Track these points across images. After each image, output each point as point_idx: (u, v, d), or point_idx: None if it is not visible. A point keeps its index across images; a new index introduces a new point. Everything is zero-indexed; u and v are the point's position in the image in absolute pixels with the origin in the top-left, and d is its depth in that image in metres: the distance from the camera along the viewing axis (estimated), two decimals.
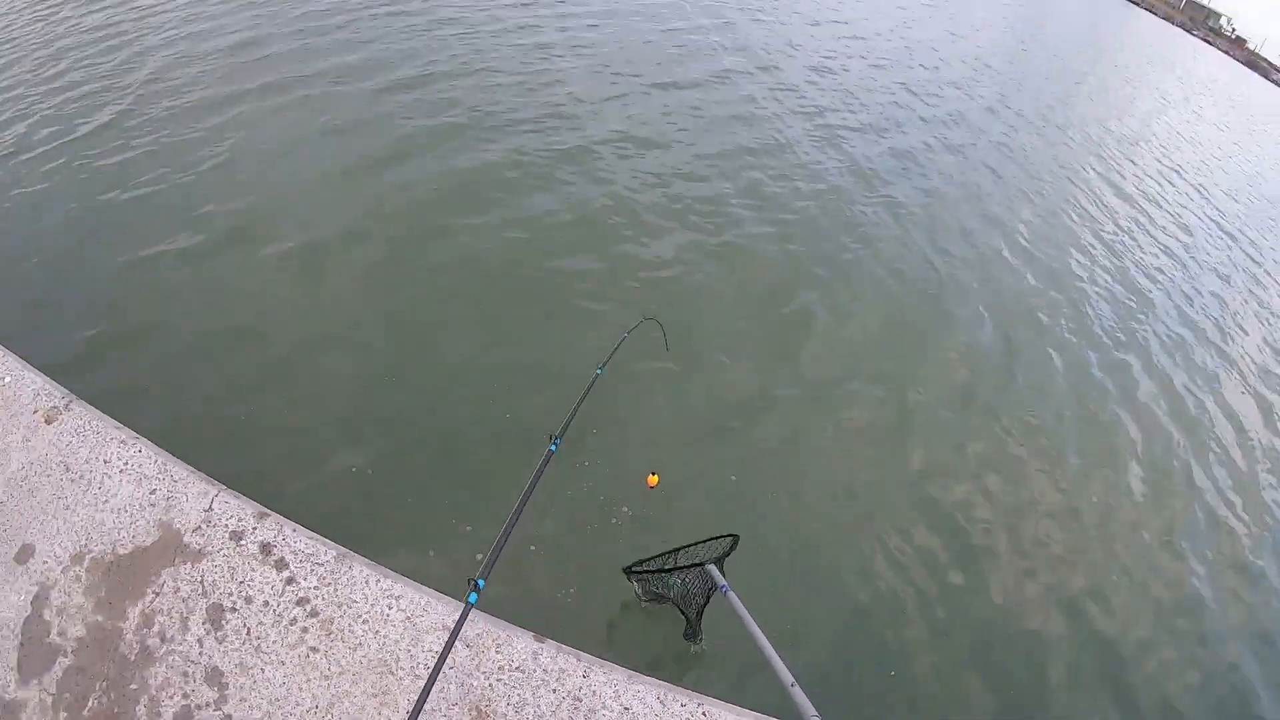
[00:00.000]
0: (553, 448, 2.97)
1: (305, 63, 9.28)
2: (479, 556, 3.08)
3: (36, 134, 7.14)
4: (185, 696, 2.26)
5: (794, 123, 10.97)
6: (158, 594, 2.48)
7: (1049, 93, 19.08)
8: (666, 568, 3.60)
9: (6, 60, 8.97)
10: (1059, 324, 7.92)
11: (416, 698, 1.85)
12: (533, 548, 3.78)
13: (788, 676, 2.37)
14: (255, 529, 2.52)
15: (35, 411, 3.18)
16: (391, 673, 2.09)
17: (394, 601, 2.22)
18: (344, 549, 2.42)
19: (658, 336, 5.03)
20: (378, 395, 4.66)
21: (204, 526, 2.57)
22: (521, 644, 2.14)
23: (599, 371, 3.90)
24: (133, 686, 2.33)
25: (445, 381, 4.87)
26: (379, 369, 4.85)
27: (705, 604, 3.60)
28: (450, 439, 4.44)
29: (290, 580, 2.36)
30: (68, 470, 2.92)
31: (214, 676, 2.27)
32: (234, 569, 2.44)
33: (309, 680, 2.16)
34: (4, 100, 7.83)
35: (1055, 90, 19.76)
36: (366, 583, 2.29)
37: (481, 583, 2.17)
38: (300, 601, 2.31)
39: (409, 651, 2.11)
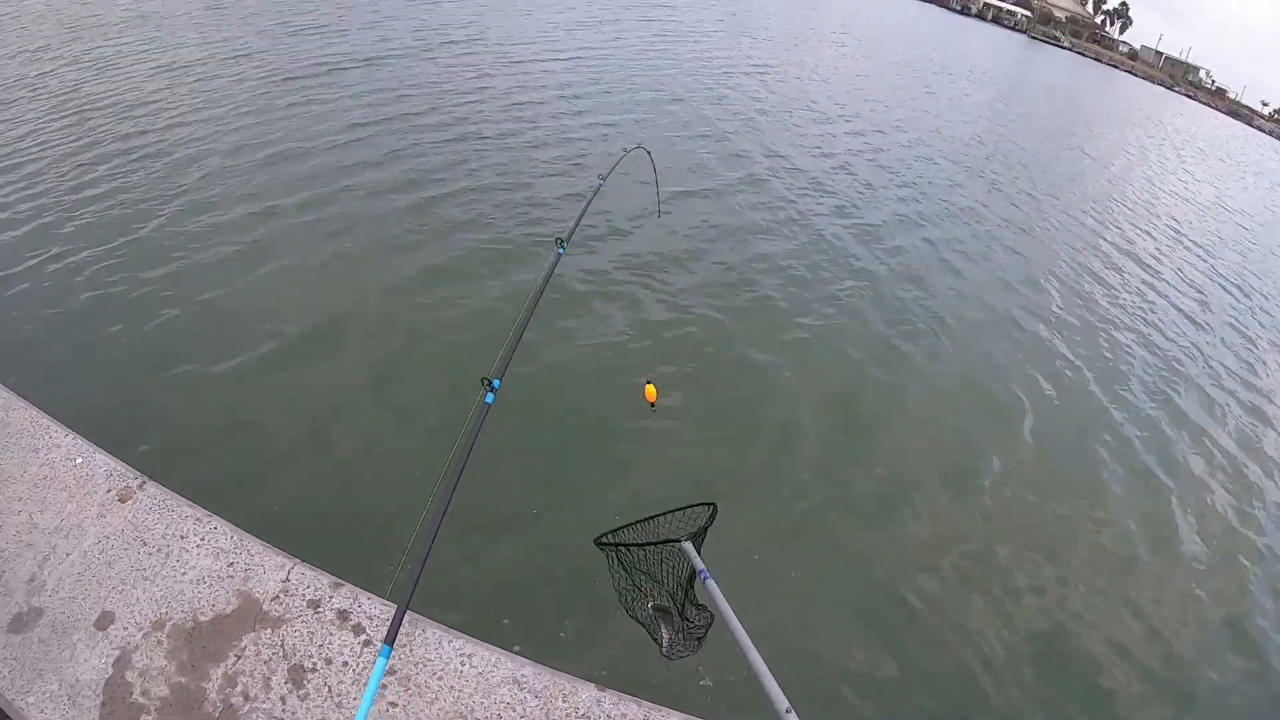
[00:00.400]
0: (560, 250, 3.42)
1: (340, 176, 9.83)
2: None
3: (80, 241, 7.56)
4: None
5: (824, 223, 11.51)
6: (239, 657, 2.71)
7: (1057, 172, 20.07)
8: (641, 542, 3.19)
9: (39, 166, 9.39)
10: (1096, 398, 8.39)
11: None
12: (562, 634, 4.03)
13: (782, 701, 2.04)
14: (332, 597, 2.77)
15: (109, 490, 3.45)
16: None
17: (466, 659, 2.45)
18: (417, 614, 2.66)
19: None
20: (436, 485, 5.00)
21: (282, 595, 2.82)
22: (586, 693, 2.37)
23: (600, 182, 4.29)
24: None
25: (500, 488, 5.25)
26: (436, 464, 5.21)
27: (686, 596, 3.23)
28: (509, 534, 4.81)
29: (367, 643, 2.60)
30: (144, 544, 3.17)
31: None
32: (313, 633, 2.68)
33: None
34: (41, 205, 8.24)
35: (1062, 169, 20.70)
36: (440, 643, 2.53)
37: (496, 382, 2.42)
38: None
39: (482, 703, 2.34)
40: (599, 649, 3.79)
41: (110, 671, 2.85)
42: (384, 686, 2.48)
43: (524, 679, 2.35)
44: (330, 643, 2.64)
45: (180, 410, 5.60)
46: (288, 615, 2.75)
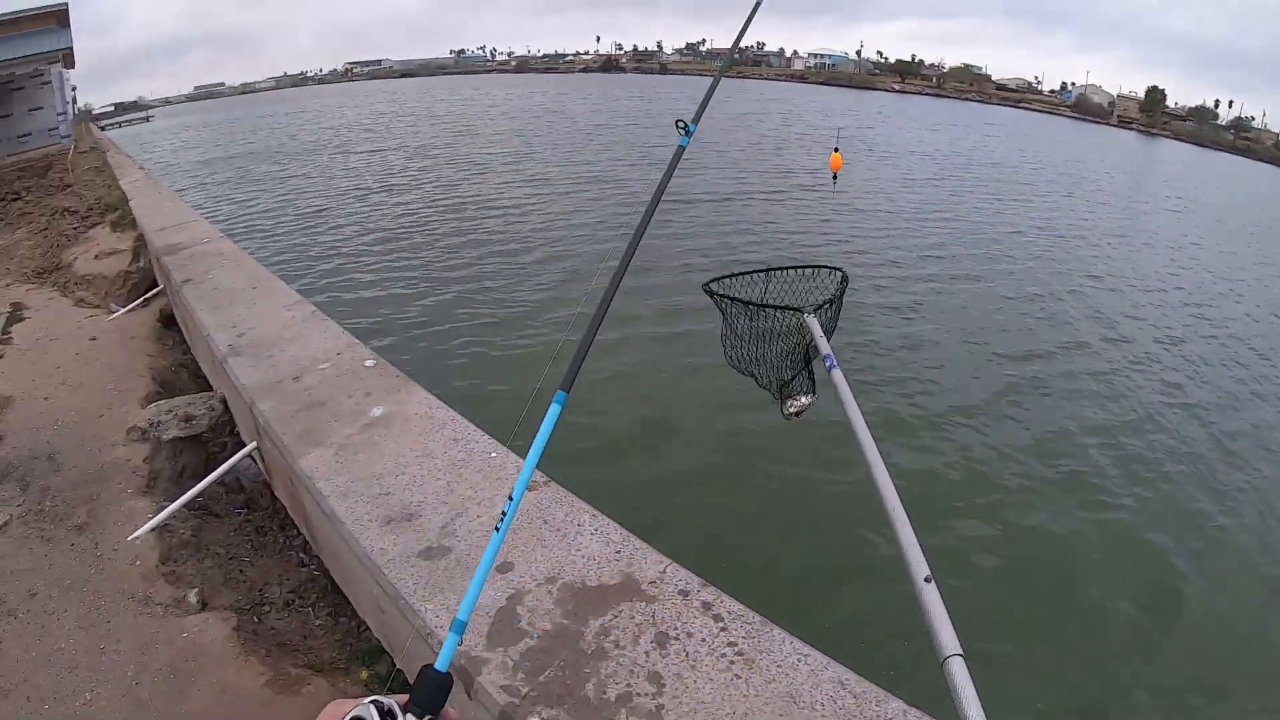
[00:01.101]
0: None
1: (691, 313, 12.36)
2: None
3: (466, 312, 10.24)
4: (628, 685, 3.34)
5: (1150, 395, 11.88)
6: (615, 616, 3.65)
7: None
8: (757, 302, 3.14)
9: (428, 248, 12.37)
10: None
11: None
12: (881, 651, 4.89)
13: (922, 567, 1.81)
14: (699, 591, 3.71)
15: None
16: (795, 702, 3.11)
17: (803, 658, 3.27)
18: (766, 618, 3.54)
19: None
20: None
21: (659, 581, 3.79)
22: (895, 704, 3.09)
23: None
24: (585, 670, 3.42)
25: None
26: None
27: (808, 372, 3.19)
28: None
29: (724, 629, 3.48)
30: (545, 523, 4.27)
31: (654, 678, 3.35)
32: (679, 613, 3.60)
33: (730, 695, 3.19)
34: (440, 280, 10.96)
35: None
36: (783, 642, 3.36)
37: (693, 127, 2.95)
38: (730, 644, 3.40)
39: (810, 692, 3.12)
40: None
41: (503, 602, 3.85)
42: (731, 661, 3.33)
43: (846, 681, 3.12)
44: (692, 622, 3.54)
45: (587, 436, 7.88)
46: (660, 596, 3.70)
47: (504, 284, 13.27)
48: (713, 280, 3.31)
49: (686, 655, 3.39)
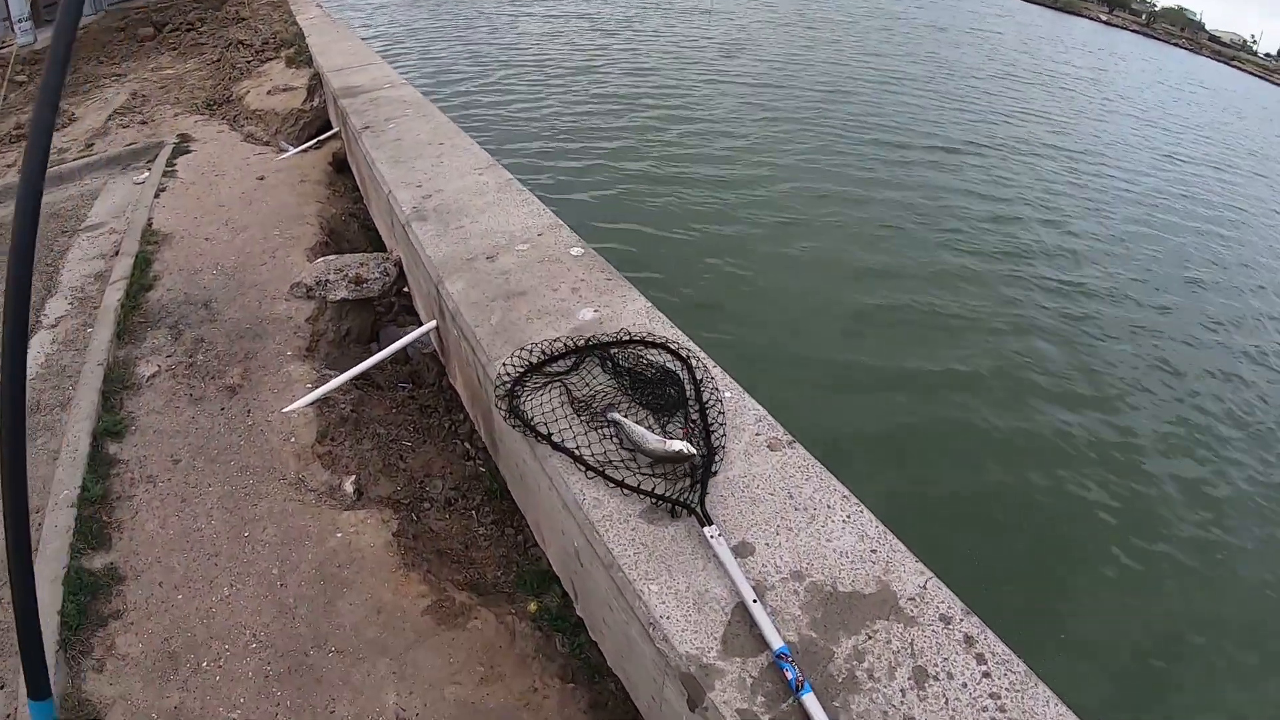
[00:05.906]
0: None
1: None
2: None
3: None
4: None
5: None
6: (870, 637, 3.78)
7: None
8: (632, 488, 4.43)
9: None
10: None
11: None
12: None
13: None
14: (962, 620, 3.78)
15: (757, 434, 4.74)
16: None
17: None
18: (1030, 668, 3.61)
19: None
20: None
21: (918, 599, 3.88)
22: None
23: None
24: (834, 703, 3.51)
25: None
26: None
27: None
28: None
29: (986, 674, 3.57)
30: (790, 498, 4.37)
31: None
32: (940, 646, 3.70)
33: None
34: None
35: None
36: (1048, 703, 3.44)
37: None
38: (992, 695, 3.50)
39: None
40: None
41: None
42: (993, 717, 3.47)
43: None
44: (954, 660, 3.63)
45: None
46: (920, 619, 3.79)
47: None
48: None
49: (946, 702, 3.50)
